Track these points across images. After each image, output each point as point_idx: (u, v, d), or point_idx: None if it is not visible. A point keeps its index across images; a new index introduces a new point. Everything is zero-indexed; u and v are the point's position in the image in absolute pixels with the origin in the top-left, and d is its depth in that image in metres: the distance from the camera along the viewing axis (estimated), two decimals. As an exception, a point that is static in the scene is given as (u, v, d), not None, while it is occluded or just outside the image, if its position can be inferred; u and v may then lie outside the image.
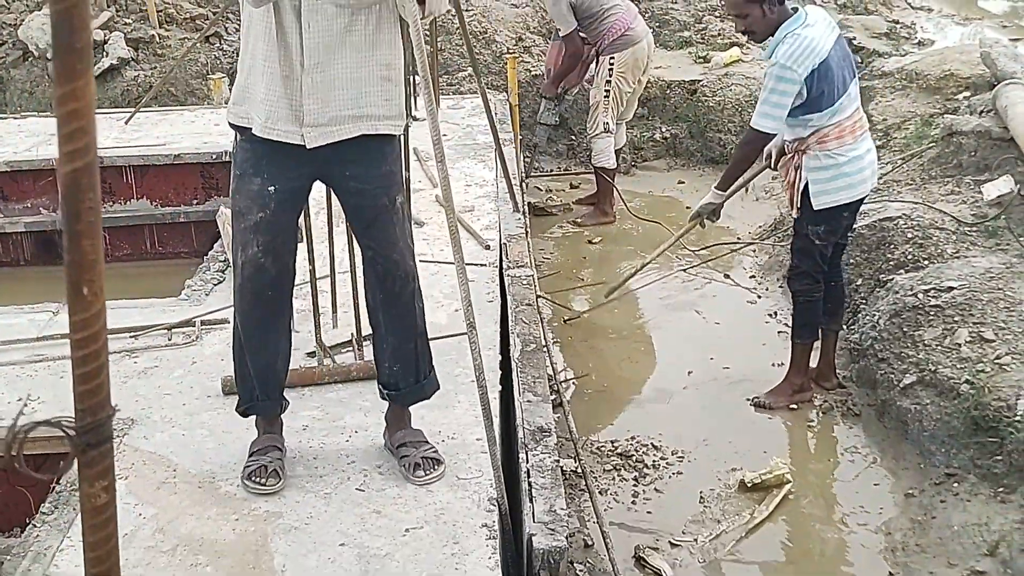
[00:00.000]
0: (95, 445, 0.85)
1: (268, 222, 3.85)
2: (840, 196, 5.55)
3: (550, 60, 9.20)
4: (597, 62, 8.72)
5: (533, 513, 3.79)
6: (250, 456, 4.13)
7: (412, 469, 4.07)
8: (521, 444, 4.22)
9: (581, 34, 8.67)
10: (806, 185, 5.56)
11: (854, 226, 6.23)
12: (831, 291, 5.96)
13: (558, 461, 4.19)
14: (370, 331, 5.02)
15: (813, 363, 6.07)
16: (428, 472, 4.07)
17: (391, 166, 3.95)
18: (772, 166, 6.02)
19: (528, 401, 4.59)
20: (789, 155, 5.71)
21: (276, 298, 4.03)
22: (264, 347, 4.09)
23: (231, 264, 3.98)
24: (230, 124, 3.92)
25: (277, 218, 3.87)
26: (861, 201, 5.78)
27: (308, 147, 3.76)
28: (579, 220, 9.01)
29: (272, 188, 3.83)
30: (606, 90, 8.65)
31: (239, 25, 11.18)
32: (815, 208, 5.59)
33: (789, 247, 6.04)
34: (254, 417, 4.23)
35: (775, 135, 5.66)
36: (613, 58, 8.58)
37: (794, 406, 5.96)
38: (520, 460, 4.15)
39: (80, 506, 0.88)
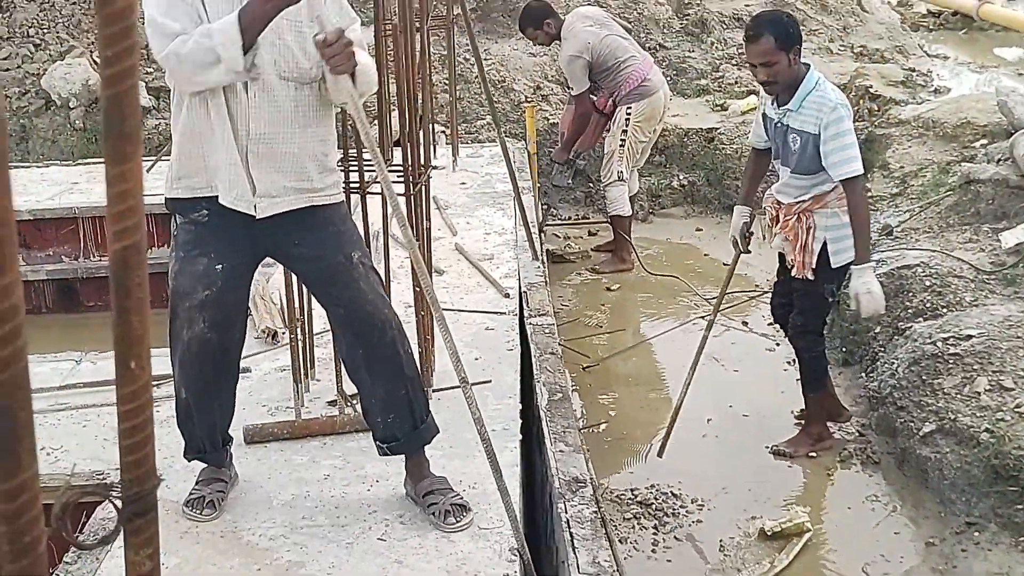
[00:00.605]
0: (141, 514, 0.87)
1: (214, 300, 3.89)
2: (852, 251, 5.58)
3: (564, 124, 9.26)
4: (613, 113, 8.76)
5: (578, 565, 3.77)
6: (195, 484, 4.25)
7: (443, 516, 4.07)
8: (558, 495, 4.21)
9: (600, 86, 8.72)
10: (823, 244, 5.55)
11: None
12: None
13: (596, 512, 4.18)
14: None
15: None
16: (459, 519, 4.08)
17: (339, 227, 4.01)
18: (745, 249, 5.98)
19: (560, 451, 4.59)
20: (790, 217, 5.62)
21: (223, 366, 4.11)
22: (210, 409, 4.17)
23: (169, 335, 3.98)
24: (173, 201, 3.93)
25: (224, 296, 3.92)
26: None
27: (257, 217, 3.83)
28: (597, 267, 9.03)
29: (220, 266, 3.87)
30: (621, 140, 8.69)
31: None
32: (834, 266, 5.59)
33: (794, 308, 5.92)
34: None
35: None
36: (630, 108, 8.62)
37: (813, 454, 5.95)
38: (557, 511, 4.14)
39: (125, 574, 0.90)
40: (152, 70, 11.04)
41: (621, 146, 8.71)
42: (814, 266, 5.60)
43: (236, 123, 3.74)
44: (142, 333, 0.84)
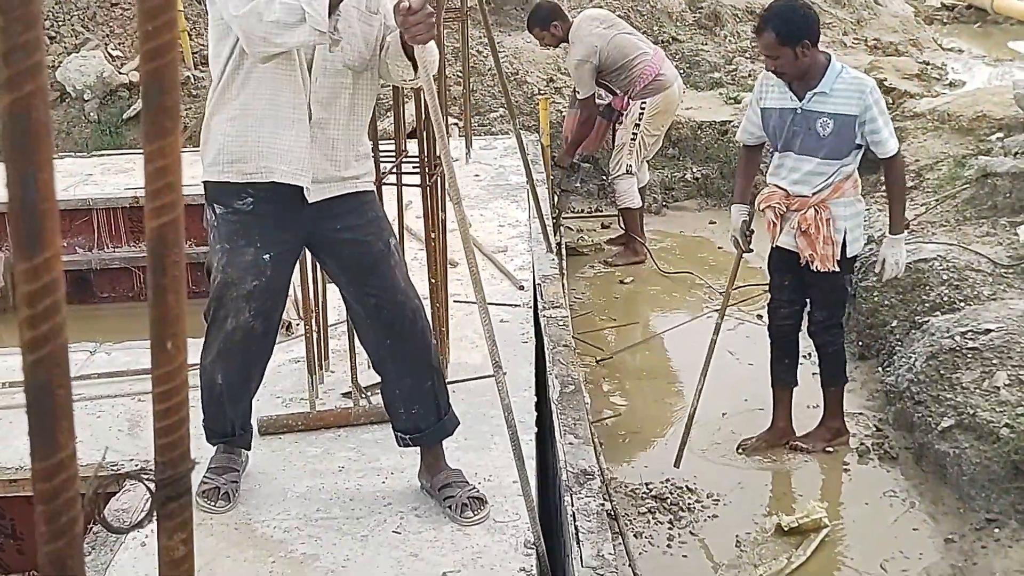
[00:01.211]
0: (175, 498, 0.85)
1: (263, 290, 3.90)
2: (862, 240, 5.57)
3: (568, 128, 9.23)
4: (626, 107, 8.73)
5: (581, 558, 3.75)
6: (208, 471, 4.21)
7: (460, 510, 4.05)
8: (565, 487, 4.19)
9: (614, 87, 8.70)
10: (845, 235, 5.51)
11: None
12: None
13: (603, 505, 4.16)
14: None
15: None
16: (476, 512, 4.06)
17: (376, 212, 4.04)
18: (747, 248, 5.93)
19: (570, 443, 4.56)
20: (806, 209, 5.53)
21: (262, 352, 4.13)
22: (246, 394, 4.21)
23: (208, 320, 3.97)
24: (218, 186, 3.87)
25: (272, 284, 3.93)
26: None
27: (309, 201, 3.81)
28: (610, 260, 9.00)
29: (267, 256, 3.87)
30: (633, 133, 8.66)
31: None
32: (850, 255, 5.58)
33: (813, 304, 5.86)
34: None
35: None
36: (644, 102, 8.59)
37: (830, 449, 5.92)
38: (564, 504, 4.12)
39: (158, 559, 0.88)
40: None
41: (632, 139, 8.68)
42: (838, 257, 5.54)
43: (302, 105, 3.73)
44: (179, 312, 0.81)
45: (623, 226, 9.16)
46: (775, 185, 5.67)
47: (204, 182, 3.92)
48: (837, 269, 5.55)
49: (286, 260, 3.99)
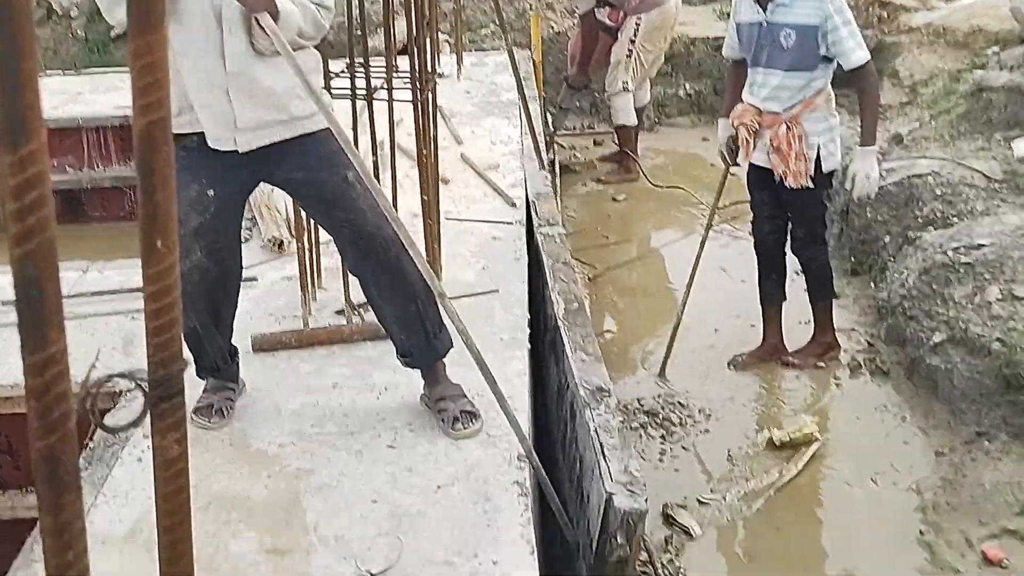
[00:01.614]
0: (168, 398, 0.84)
1: (208, 227, 3.84)
2: (838, 155, 5.55)
3: (574, 47, 9.14)
4: (622, 22, 8.65)
5: (610, 473, 3.75)
6: (203, 391, 4.24)
7: (451, 423, 4.07)
8: (583, 403, 4.17)
9: (611, 2, 8.61)
10: (819, 150, 5.49)
11: (883, 184, 6.20)
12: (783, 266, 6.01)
13: (623, 421, 4.16)
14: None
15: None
16: (466, 425, 4.07)
17: (328, 148, 3.86)
18: (734, 162, 5.91)
19: (582, 360, 4.55)
20: (777, 126, 5.52)
21: (224, 294, 4.09)
22: (218, 333, 4.17)
23: None
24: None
25: (217, 223, 3.86)
26: None
27: (241, 151, 3.76)
28: (603, 177, 8.97)
29: (211, 192, 3.81)
30: (628, 49, 8.60)
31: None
32: (826, 171, 5.56)
33: (792, 220, 5.86)
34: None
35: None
36: (640, 18, 8.51)
37: (822, 364, 5.94)
38: (586, 419, 4.11)
39: (153, 459, 0.87)
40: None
41: (628, 56, 8.61)
42: (811, 172, 5.53)
43: (217, 59, 3.66)
44: (168, 211, 0.80)
45: (617, 143, 9.12)
46: (748, 102, 5.64)
47: None
48: (811, 185, 5.54)
49: (233, 201, 3.93)
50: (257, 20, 3.55)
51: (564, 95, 9.33)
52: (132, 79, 0.79)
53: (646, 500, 3.64)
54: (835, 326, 6.05)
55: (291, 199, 4.77)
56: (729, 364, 6.08)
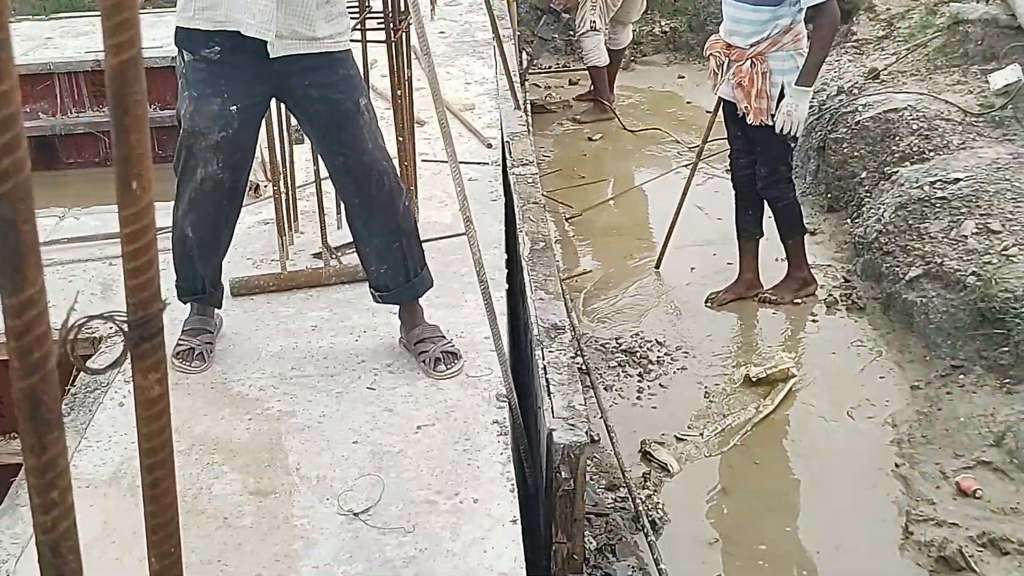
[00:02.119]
0: (148, 338, 0.85)
1: (231, 141, 3.85)
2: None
3: None
4: None
5: (552, 409, 3.80)
6: (182, 333, 4.22)
7: (433, 364, 4.09)
8: (536, 341, 4.22)
9: None
10: (780, 89, 5.50)
11: (860, 120, 6.22)
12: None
13: (574, 357, 4.20)
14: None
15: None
16: (449, 366, 4.09)
17: (349, 70, 3.94)
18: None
19: (540, 299, 4.58)
20: (742, 62, 5.53)
21: (231, 207, 4.09)
22: (217, 249, 4.18)
23: (177, 171, 3.96)
24: (188, 32, 3.80)
25: (239, 137, 3.88)
26: None
27: (271, 55, 3.75)
28: (579, 117, 8.95)
29: (234, 107, 3.82)
30: None
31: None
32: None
33: (758, 158, 5.88)
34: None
35: None
36: None
37: (798, 300, 5.98)
38: (536, 357, 4.16)
39: (134, 399, 0.88)
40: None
41: None
42: (773, 111, 5.54)
43: None
44: (142, 152, 0.80)
45: (593, 84, 9.09)
46: (719, 36, 5.66)
47: (176, 27, 3.86)
48: (770, 123, 5.55)
49: (253, 113, 3.95)
50: None
51: (543, 25, 9.27)
52: (102, 17, 0.79)
53: (587, 433, 3.69)
54: (810, 262, 6.08)
55: (267, 139, 4.76)
56: (706, 301, 6.12)
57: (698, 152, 6.32)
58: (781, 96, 5.49)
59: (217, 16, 3.73)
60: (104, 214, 5.51)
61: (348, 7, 4.70)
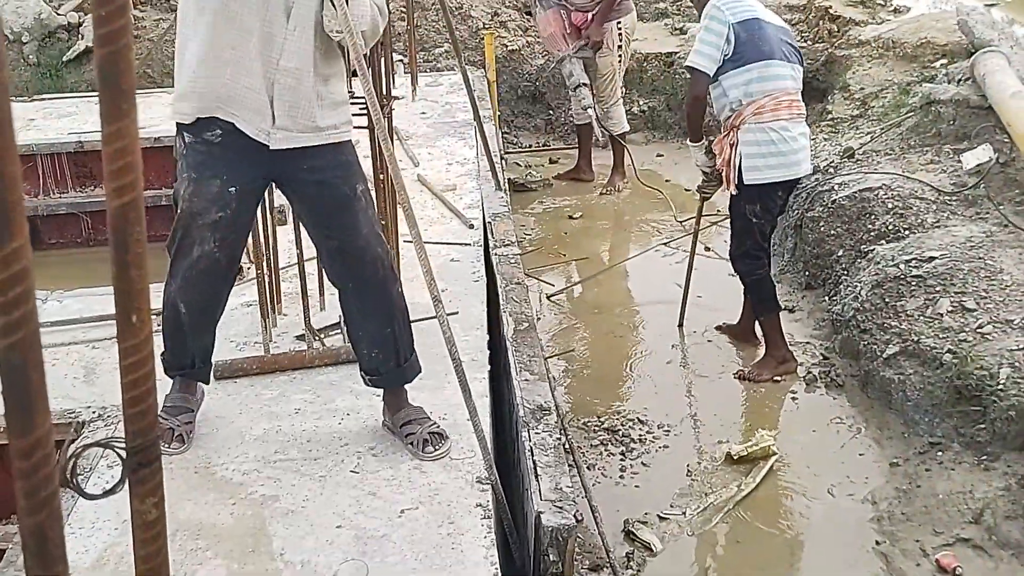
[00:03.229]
0: (146, 464, 0.89)
1: (228, 221, 3.92)
2: (772, 173, 5.74)
3: (551, 26, 9.00)
4: (587, 24, 8.69)
5: (540, 491, 3.82)
6: (162, 410, 4.18)
7: (421, 445, 4.11)
8: (522, 423, 4.25)
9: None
10: (741, 161, 5.71)
11: (836, 199, 6.33)
12: None
13: (560, 439, 4.23)
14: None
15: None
16: (437, 447, 4.11)
17: (348, 156, 4.03)
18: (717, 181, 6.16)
19: (525, 380, 4.62)
20: (724, 133, 5.84)
21: (224, 284, 4.16)
22: (209, 325, 4.22)
23: (171, 250, 4.02)
24: (180, 122, 3.90)
25: (237, 217, 3.95)
26: (796, 183, 5.99)
27: (272, 148, 3.83)
28: (607, 189, 9.00)
29: (233, 189, 3.88)
30: (619, 56, 8.70)
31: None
32: (747, 183, 5.75)
33: (731, 232, 6.16)
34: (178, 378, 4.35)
35: (710, 74, 5.74)
36: (620, 23, 8.62)
37: (778, 378, 6.02)
38: (522, 439, 4.19)
39: (131, 522, 0.91)
40: None
41: (619, 62, 8.73)
42: (736, 182, 5.79)
43: (270, 52, 3.72)
44: (142, 287, 0.84)
45: (617, 152, 9.12)
46: None
47: (175, 111, 3.92)
48: (733, 191, 5.87)
49: (251, 195, 4.01)
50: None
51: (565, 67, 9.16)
52: (105, 162, 0.84)
53: (576, 515, 3.72)
54: (789, 339, 6.15)
55: (264, 212, 4.81)
56: (715, 328, 6.51)
57: (696, 220, 6.54)
58: (740, 168, 5.75)
59: (211, 106, 3.80)
60: (87, 297, 5.53)
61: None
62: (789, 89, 5.72)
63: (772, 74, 5.65)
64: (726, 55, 5.64)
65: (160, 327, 4.32)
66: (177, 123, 3.94)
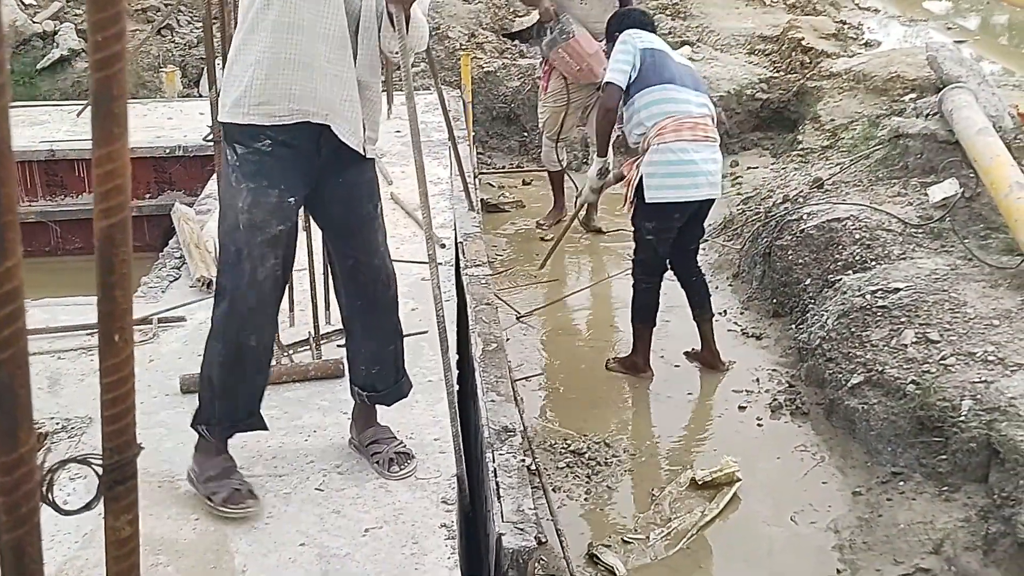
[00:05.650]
0: (122, 482, 0.90)
1: (288, 234, 3.79)
2: (668, 193, 5.94)
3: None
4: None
5: (502, 513, 3.84)
6: (211, 480, 3.95)
7: (387, 465, 4.11)
8: (487, 444, 4.27)
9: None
10: (641, 179, 5.93)
11: (804, 228, 6.39)
12: (692, 286, 6.44)
13: (524, 461, 4.25)
14: (327, 329, 5.07)
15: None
16: (403, 466, 4.12)
17: (373, 173, 4.04)
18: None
19: (492, 401, 4.64)
20: (635, 158, 6.10)
21: (277, 312, 3.98)
22: (265, 366, 4.02)
23: (225, 276, 3.83)
24: (242, 127, 3.73)
25: (294, 230, 3.86)
26: (696, 207, 6.10)
27: (367, 156, 3.89)
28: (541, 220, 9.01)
29: (292, 199, 3.77)
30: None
31: (191, 17, 11.13)
32: (646, 200, 5.97)
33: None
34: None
35: (622, 87, 6.03)
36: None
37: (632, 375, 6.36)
38: (486, 459, 4.20)
39: (105, 539, 0.93)
40: (82, 11, 10.86)
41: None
42: (632, 199, 6.07)
43: (350, 63, 3.74)
44: (126, 307, 0.86)
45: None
46: None
47: (224, 123, 3.80)
48: (626, 210, 6.24)
49: (300, 206, 3.95)
50: (391, 16, 3.67)
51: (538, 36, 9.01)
52: (95, 183, 0.85)
53: (536, 537, 3.73)
54: (756, 366, 6.22)
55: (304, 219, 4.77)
56: (684, 353, 6.62)
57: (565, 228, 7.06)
58: (640, 185, 5.99)
59: (277, 111, 3.70)
60: (54, 307, 5.51)
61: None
62: (693, 113, 5.96)
63: (673, 97, 5.94)
64: (632, 79, 5.98)
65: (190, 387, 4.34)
66: (226, 136, 3.82)
